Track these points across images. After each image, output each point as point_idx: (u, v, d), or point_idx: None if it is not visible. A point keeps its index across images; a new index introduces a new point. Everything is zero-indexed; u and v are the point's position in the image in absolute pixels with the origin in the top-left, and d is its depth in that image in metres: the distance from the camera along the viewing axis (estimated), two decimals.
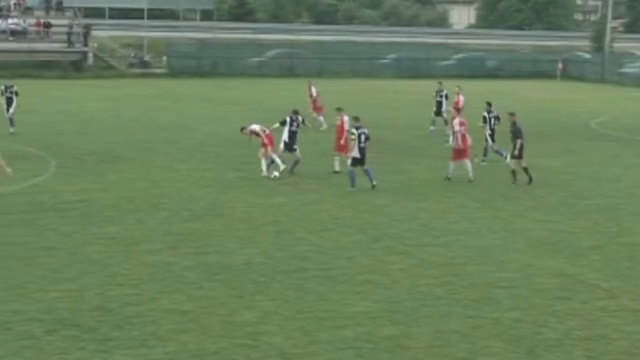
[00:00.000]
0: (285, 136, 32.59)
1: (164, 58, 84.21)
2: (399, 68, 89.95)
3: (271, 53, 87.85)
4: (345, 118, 32.89)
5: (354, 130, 30.08)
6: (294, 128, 32.58)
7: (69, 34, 78.44)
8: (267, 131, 32.71)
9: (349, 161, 30.17)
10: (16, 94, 42.79)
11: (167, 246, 22.35)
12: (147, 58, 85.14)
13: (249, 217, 25.91)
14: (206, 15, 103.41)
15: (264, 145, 32.26)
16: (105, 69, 78.86)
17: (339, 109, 33.29)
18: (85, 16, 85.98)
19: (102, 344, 15.67)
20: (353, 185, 29.75)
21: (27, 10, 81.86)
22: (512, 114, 31.99)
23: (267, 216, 26.04)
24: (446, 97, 44.97)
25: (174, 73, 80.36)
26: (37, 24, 78.83)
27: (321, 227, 24.76)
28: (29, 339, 15.84)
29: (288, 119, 32.62)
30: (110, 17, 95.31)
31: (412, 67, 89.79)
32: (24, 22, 78.97)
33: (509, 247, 23.23)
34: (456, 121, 32.26)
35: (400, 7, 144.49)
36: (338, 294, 18.82)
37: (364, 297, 18.64)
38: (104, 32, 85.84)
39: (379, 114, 51.02)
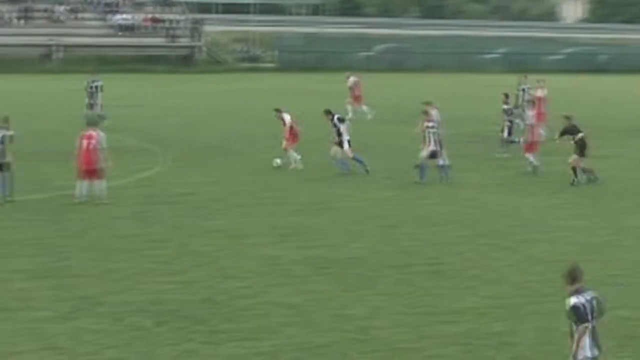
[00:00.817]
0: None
1: (273, 52, 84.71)
2: (507, 63, 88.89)
3: (380, 47, 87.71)
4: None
5: (431, 124, 30.13)
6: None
7: (170, 29, 79.48)
8: (294, 126, 32.70)
9: (425, 154, 29.93)
10: (100, 89, 43.19)
11: (274, 239, 22.54)
12: (256, 52, 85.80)
13: (355, 211, 25.94)
14: (314, 10, 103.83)
15: (286, 138, 32.37)
16: (215, 64, 79.71)
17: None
18: (195, 11, 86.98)
19: (212, 335, 15.89)
20: (422, 178, 29.66)
21: (138, 6, 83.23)
22: (567, 117, 31.29)
23: (372, 211, 26.05)
24: (524, 91, 43.77)
25: (283, 67, 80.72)
26: (147, 20, 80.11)
27: (427, 222, 24.67)
28: (140, 329, 16.14)
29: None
30: (219, 12, 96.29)
31: (520, 62, 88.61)
32: (134, 17, 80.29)
33: (619, 244, 22.82)
34: (531, 114, 32.59)
35: (508, 1, 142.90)
36: (446, 290, 18.74)
37: (472, 293, 18.53)
38: (213, 27, 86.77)
39: (486, 109, 50.48)
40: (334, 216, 25.29)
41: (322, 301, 17.86)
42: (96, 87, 43.25)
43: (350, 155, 31.73)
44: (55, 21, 78.77)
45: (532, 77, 44.80)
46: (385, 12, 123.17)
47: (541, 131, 34.70)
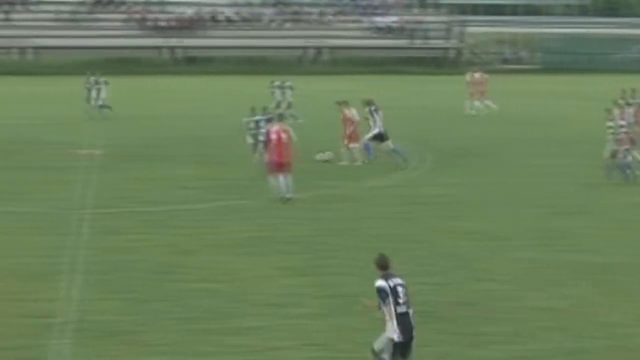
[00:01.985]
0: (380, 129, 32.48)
1: (534, 54, 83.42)
2: None
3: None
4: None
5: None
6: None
7: (424, 30, 79.66)
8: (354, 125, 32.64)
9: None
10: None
11: (531, 242, 22.26)
12: (517, 54, 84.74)
13: (615, 216, 25.21)
14: (580, 10, 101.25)
15: (346, 135, 32.49)
16: (478, 65, 79.26)
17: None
18: (457, 13, 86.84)
19: (469, 338, 15.89)
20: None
21: (396, 8, 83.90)
22: None
23: (632, 215, 25.22)
24: None
25: (545, 69, 79.36)
26: (403, 22, 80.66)
27: None
28: None
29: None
30: (481, 14, 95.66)
31: None
32: (393, 19, 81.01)
33: None
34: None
35: None
36: None
37: None
38: (475, 29, 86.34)
39: None
40: (593, 220, 24.69)
41: (582, 307, 17.52)
42: (288, 86, 44.77)
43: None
44: (323, 23, 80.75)
45: None
46: None
47: None
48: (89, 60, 74.06)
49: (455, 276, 19.48)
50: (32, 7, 79.96)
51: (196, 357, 15.16)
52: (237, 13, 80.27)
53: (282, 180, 26.31)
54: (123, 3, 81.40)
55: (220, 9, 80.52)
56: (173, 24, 78.06)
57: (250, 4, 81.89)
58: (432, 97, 58.03)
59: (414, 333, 13.63)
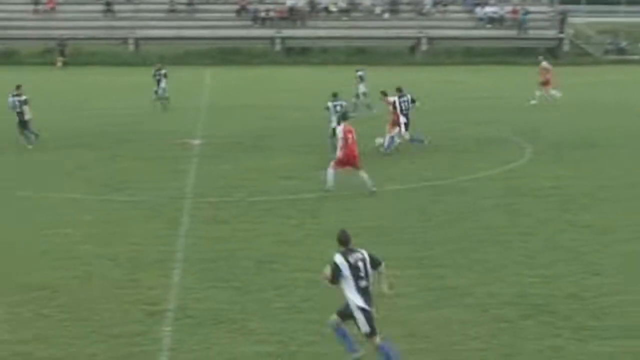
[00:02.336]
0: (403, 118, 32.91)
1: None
2: None
3: None
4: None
5: None
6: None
7: (529, 21, 78.69)
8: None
9: None
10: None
11: None
12: (623, 45, 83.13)
13: None
14: None
15: (393, 122, 32.82)
16: (580, 56, 78.07)
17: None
18: (562, 2, 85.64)
19: (578, 332, 15.60)
20: None
21: None
22: None
23: None
24: None
25: None
26: (514, 11, 79.78)
27: None
28: (505, 322, 16.12)
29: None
30: (584, 3, 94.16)
31: None
32: (500, 9, 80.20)
33: None
34: None
35: None
36: None
37: None
38: (579, 19, 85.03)
39: None
40: None
41: None
42: (362, 76, 44.47)
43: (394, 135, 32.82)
44: (422, 14, 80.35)
45: None
46: None
47: None
48: (190, 50, 75.13)
49: (565, 269, 19.15)
50: None
51: (299, 347, 15.15)
52: (334, 3, 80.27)
53: (363, 176, 26.26)
54: None
55: (321, 0, 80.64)
56: (273, 14, 78.44)
57: None
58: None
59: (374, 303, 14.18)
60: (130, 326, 15.44)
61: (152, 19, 78.20)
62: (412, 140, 33.45)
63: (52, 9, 79.06)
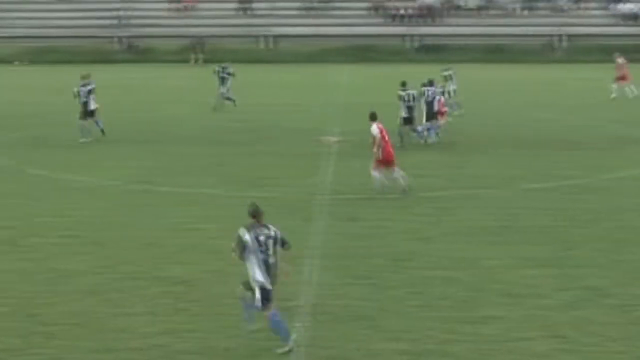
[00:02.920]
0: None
1: None
2: None
3: None
4: None
5: None
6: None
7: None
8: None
9: None
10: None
11: None
12: None
13: None
14: None
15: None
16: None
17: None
18: None
19: None
20: None
21: None
22: None
23: None
24: None
25: None
26: None
27: None
28: None
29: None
30: None
31: None
32: (636, 6, 78.40)
33: None
34: None
35: None
36: None
37: None
38: None
39: None
40: None
41: None
42: (450, 75, 43.61)
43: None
44: (559, 11, 79.07)
45: None
46: None
47: None
48: (326, 48, 75.56)
49: None
50: None
51: (434, 345, 15.01)
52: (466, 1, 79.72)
53: (397, 175, 25.97)
54: None
55: None
56: (411, 11, 78.24)
57: None
58: None
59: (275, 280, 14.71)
60: (265, 321, 15.54)
61: (288, 16, 78.92)
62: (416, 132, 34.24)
63: (188, 7, 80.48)
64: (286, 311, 16.26)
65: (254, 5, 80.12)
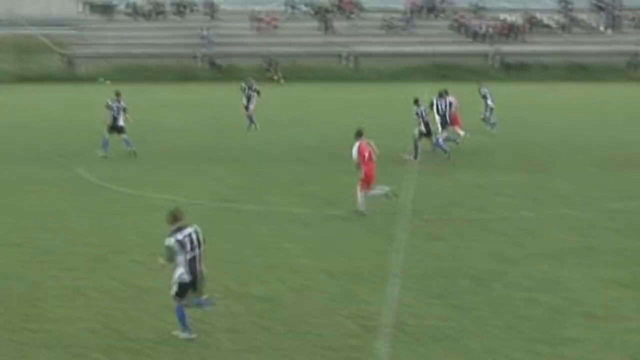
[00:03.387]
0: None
1: None
2: None
3: None
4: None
5: None
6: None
7: None
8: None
9: None
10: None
11: None
12: None
13: None
14: None
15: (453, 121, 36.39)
16: None
17: None
18: None
19: None
20: None
21: None
22: None
23: None
24: None
25: None
26: None
27: None
28: None
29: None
30: None
31: None
32: None
33: None
34: None
35: None
36: None
37: None
38: None
39: None
40: None
41: None
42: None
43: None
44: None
45: None
46: None
47: None
48: (410, 66, 75.50)
49: None
50: (352, 15, 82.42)
51: None
52: (550, 17, 79.10)
53: (374, 192, 26.24)
54: (444, 10, 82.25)
55: (540, 15, 79.62)
56: (492, 30, 77.97)
57: (571, 10, 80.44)
58: None
59: (201, 268, 16.07)
60: (347, 340, 15.68)
61: (370, 34, 79.17)
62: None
63: (271, 26, 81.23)
64: (368, 331, 16.39)
65: (335, 24, 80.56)
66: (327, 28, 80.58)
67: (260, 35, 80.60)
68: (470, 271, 20.16)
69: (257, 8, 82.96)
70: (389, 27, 79.99)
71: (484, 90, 43.58)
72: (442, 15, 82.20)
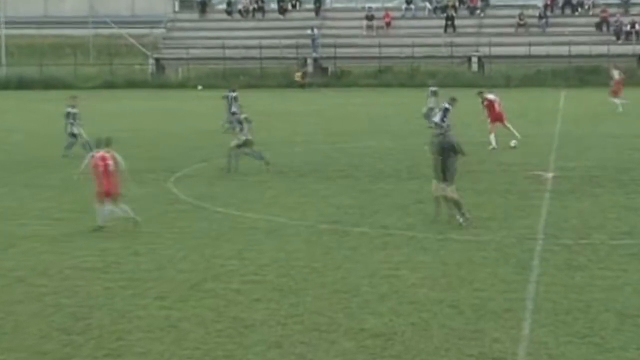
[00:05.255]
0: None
1: None
2: None
3: None
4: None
5: None
6: None
7: None
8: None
9: None
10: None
11: None
12: None
13: None
14: None
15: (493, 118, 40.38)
16: None
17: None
18: None
19: None
20: None
21: None
22: None
23: None
24: None
25: None
26: None
27: None
28: None
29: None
30: None
31: None
32: None
33: None
34: None
35: None
36: None
37: None
38: None
39: None
40: None
41: None
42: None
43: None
44: None
45: None
46: None
47: None
48: (542, 70, 74.88)
49: None
50: (477, 12, 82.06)
51: None
52: None
53: (113, 209, 26.79)
54: (583, 4, 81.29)
55: None
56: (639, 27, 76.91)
57: None
58: None
59: None
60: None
61: (498, 34, 78.70)
62: None
63: (387, 25, 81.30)
64: None
65: (457, 22, 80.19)
66: (450, 26, 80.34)
67: (374, 36, 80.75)
68: (615, 306, 19.78)
69: (369, 5, 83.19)
70: (521, 26, 79.36)
71: (433, 89, 48.20)
72: (581, 10, 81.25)
